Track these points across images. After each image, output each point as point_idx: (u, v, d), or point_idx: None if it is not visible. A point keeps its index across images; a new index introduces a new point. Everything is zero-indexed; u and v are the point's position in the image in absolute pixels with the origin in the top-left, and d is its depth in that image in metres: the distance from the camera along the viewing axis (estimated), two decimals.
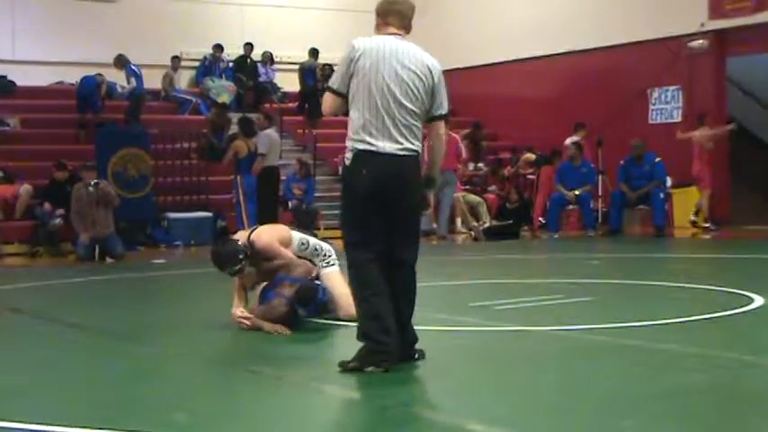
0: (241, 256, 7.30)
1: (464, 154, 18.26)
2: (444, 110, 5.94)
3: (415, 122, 5.76)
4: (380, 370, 5.59)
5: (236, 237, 7.63)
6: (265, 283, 7.49)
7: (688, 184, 17.81)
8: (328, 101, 5.85)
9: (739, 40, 18.55)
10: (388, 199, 5.70)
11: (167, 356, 6.61)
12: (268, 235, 7.53)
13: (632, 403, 4.90)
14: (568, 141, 18.24)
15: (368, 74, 5.69)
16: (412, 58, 5.84)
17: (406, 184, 5.76)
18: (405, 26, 6.00)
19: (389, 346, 5.64)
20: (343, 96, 5.78)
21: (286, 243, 7.56)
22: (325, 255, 7.71)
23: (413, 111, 5.74)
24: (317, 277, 7.54)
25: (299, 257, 7.58)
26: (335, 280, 7.61)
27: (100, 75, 19.15)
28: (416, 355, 5.91)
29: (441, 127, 5.96)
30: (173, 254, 15.65)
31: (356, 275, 5.79)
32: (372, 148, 5.65)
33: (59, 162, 16.18)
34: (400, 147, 5.69)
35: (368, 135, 5.66)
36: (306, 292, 7.20)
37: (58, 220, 15.54)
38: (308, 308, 7.24)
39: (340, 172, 5.65)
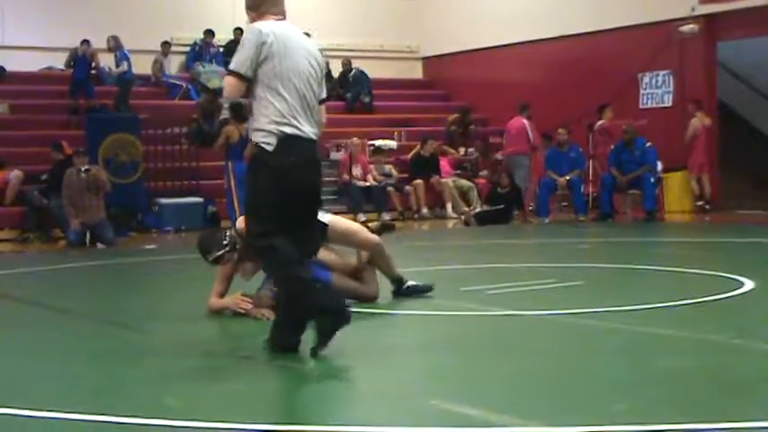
0: (225, 242, 7.22)
1: (533, 139, 18.37)
2: (325, 94, 5.98)
3: (316, 107, 5.81)
4: (345, 324, 5.56)
5: (237, 223, 7.57)
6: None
7: (678, 169, 17.85)
8: (234, 84, 5.69)
9: (730, 24, 18.57)
10: (306, 184, 5.73)
11: (158, 342, 6.60)
12: None
13: (623, 387, 4.92)
14: (598, 125, 18.29)
15: (284, 57, 5.66)
16: (309, 43, 5.89)
17: (320, 168, 5.90)
18: (282, 12, 5.97)
19: (339, 302, 5.66)
20: (247, 81, 5.67)
21: None
22: None
23: (316, 95, 5.80)
24: None
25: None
26: (340, 222, 7.70)
27: (85, 42, 19.16)
28: None
29: (323, 111, 5.96)
30: (164, 239, 15.65)
31: (276, 264, 5.68)
32: (299, 133, 5.64)
33: (55, 144, 16.24)
34: (314, 131, 5.76)
35: (293, 119, 5.63)
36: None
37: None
38: None
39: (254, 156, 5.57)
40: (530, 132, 18.41)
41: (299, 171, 5.63)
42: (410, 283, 7.96)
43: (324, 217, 7.53)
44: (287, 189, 5.63)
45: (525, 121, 18.40)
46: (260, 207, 5.70)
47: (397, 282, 7.94)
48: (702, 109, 17.81)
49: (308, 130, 5.70)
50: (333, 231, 7.56)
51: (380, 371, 5.56)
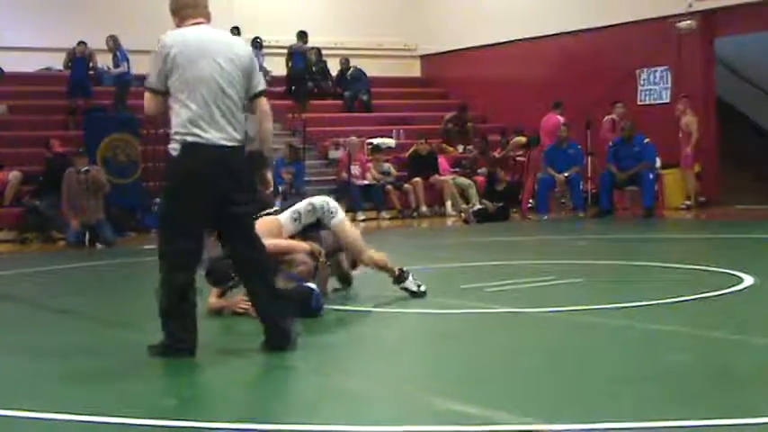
0: (233, 275, 7.11)
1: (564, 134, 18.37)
2: (263, 86, 5.98)
3: (237, 111, 5.79)
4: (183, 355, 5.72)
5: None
6: None
7: (677, 165, 17.85)
8: (148, 99, 5.81)
9: (727, 19, 18.57)
10: (216, 190, 5.72)
11: (157, 342, 6.59)
12: (265, 232, 7.42)
13: (623, 383, 4.92)
14: (607, 119, 18.29)
15: (188, 67, 5.67)
16: (224, 44, 5.85)
17: (234, 174, 5.79)
18: (202, 14, 5.95)
19: (187, 344, 5.72)
20: (162, 94, 5.75)
21: (276, 233, 7.46)
22: (323, 209, 7.62)
23: (235, 99, 5.78)
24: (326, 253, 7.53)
25: (307, 234, 7.53)
26: (348, 224, 7.71)
27: (82, 43, 19.16)
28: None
29: (264, 103, 5.96)
30: None
31: (168, 269, 5.74)
32: (201, 140, 5.66)
33: (45, 143, 16.34)
34: (227, 137, 5.73)
35: (196, 127, 5.66)
36: (299, 297, 7.02)
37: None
38: (301, 312, 7.03)
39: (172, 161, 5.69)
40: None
41: (202, 178, 5.68)
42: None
43: (337, 215, 7.55)
44: (191, 195, 5.70)
45: (560, 118, 18.39)
46: (165, 211, 5.89)
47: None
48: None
49: (216, 137, 5.69)
50: (341, 230, 7.57)
51: (380, 369, 5.57)
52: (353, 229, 7.83)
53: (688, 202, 17.73)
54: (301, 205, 7.67)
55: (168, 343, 5.75)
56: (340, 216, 7.66)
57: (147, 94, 5.82)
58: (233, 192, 5.78)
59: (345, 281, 8.29)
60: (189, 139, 5.66)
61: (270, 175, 6.03)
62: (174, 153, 5.71)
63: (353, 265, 8.15)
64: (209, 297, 7.33)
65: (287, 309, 5.99)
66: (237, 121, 5.79)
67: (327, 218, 7.58)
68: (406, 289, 7.79)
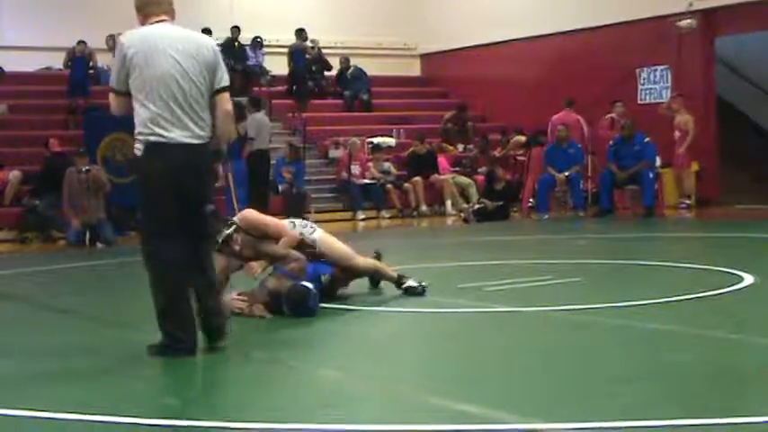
0: (225, 229, 7.17)
1: (587, 132, 18.32)
2: (226, 82, 5.97)
3: (200, 108, 5.80)
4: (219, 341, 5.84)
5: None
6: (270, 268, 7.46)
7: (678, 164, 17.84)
8: (113, 100, 5.90)
9: (728, 18, 18.56)
10: (183, 189, 5.75)
11: (156, 341, 6.60)
12: (255, 212, 7.53)
13: (622, 383, 4.92)
14: (606, 118, 18.28)
15: (145, 67, 5.70)
16: (185, 41, 5.84)
17: (199, 172, 5.83)
18: (166, 11, 5.97)
19: (187, 344, 5.72)
20: (125, 94, 5.81)
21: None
22: (305, 225, 7.74)
23: (197, 96, 5.78)
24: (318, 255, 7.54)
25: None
26: (331, 238, 7.74)
27: (82, 42, 19.16)
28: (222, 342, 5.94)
29: (224, 99, 5.94)
30: None
31: (156, 269, 5.77)
32: (164, 140, 5.70)
33: (45, 143, 16.37)
34: (190, 134, 5.75)
35: (157, 127, 5.70)
36: (296, 296, 7.05)
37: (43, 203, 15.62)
38: (296, 311, 7.05)
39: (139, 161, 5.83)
40: (584, 126, 18.35)
41: (167, 176, 5.71)
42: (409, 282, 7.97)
43: (315, 233, 7.58)
44: (158, 194, 5.76)
45: (579, 116, 18.35)
46: (143, 210, 5.99)
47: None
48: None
49: (179, 135, 5.72)
50: (328, 244, 7.63)
51: (377, 368, 5.57)
52: (338, 242, 7.82)
53: (688, 201, 17.73)
54: (298, 221, 7.82)
55: (167, 343, 5.75)
56: (319, 232, 7.70)
57: (111, 95, 5.91)
58: (199, 189, 5.84)
59: (372, 281, 8.27)
60: (152, 138, 5.72)
61: (220, 170, 6.12)
62: (139, 153, 5.78)
63: (346, 283, 8.06)
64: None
65: (223, 306, 6.06)
66: (201, 119, 5.80)
67: (307, 232, 7.62)
68: (408, 288, 7.81)
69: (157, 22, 5.90)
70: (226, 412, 4.59)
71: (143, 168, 5.80)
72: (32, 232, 15.76)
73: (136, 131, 5.79)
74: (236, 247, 7.15)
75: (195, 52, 5.80)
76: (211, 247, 6.09)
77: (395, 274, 7.96)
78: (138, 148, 5.77)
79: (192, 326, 5.76)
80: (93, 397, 5.05)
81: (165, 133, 5.69)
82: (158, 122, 5.69)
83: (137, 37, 5.81)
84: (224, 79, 5.94)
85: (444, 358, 5.79)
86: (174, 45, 5.77)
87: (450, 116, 21.53)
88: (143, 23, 5.95)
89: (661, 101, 18.88)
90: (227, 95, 5.95)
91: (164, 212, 5.76)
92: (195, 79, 5.77)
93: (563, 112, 18.51)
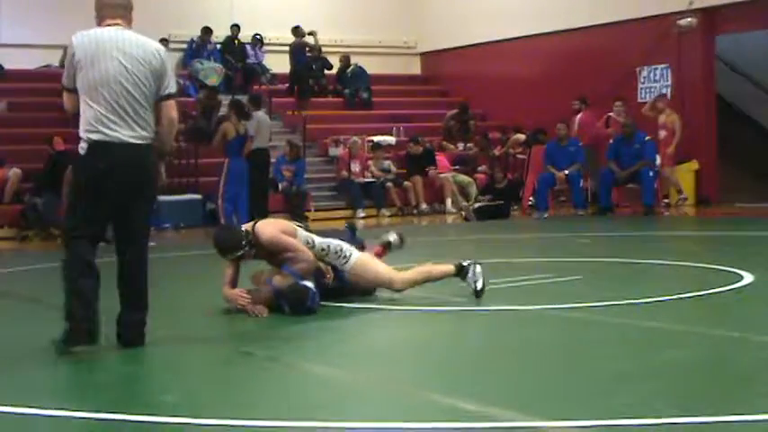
0: (243, 243, 7.22)
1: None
2: (172, 89, 6.06)
3: (143, 111, 5.88)
4: (85, 347, 5.77)
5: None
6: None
7: (677, 163, 17.83)
8: (65, 97, 6.02)
9: (728, 17, 18.56)
10: (124, 186, 5.82)
11: (157, 339, 6.59)
12: (272, 227, 7.40)
13: (623, 381, 4.92)
14: (605, 116, 18.27)
15: (89, 68, 5.81)
16: (133, 46, 5.92)
17: (141, 171, 5.90)
18: (121, 16, 6.08)
19: (88, 324, 5.76)
20: (75, 92, 5.92)
21: (291, 233, 7.42)
22: (337, 252, 7.54)
23: (140, 98, 5.86)
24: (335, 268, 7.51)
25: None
26: (366, 264, 7.58)
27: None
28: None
29: (170, 106, 6.03)
30: (162, 237, 15.62)
31: (67, 256, 5.96)
32: (107, 139, 5.77)
33: (46, 139, 16.37)
34: (133, 135, 5.82)
35: (101, 125, 5.77)
36: (296, 295, 7.04)
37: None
38: (296, 310, 7.03)
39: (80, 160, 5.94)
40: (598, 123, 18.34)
41: (109, 175, 5.78)
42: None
43: (348, 263, 7.50)
44: (96, 192, 5.81)
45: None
46: (70, 205, 6.07)
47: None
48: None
49: (123, 135, 5.80)
50: (361, 273, 7.54)
51: (379, 366, 5.57)
52: (373, 264, 7.67)
53: (684, 197, 17.66)
54: (318, 239, 7.55)
55: (71, 326, 5.77)
56: (353, 260, 7.56)
57: (63, 93, 6.02)
58: (141, 187, 5.90)
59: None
60: (94, 137, 5.79)
61: (162, 169, 6.19)
62: (82, 152, 5.85)
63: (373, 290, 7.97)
64: (223, 288, 7.32)
65: (144, 312, 6.07)
66: (144, 121, 5.89)
67: (340, 263, 7.56)
68: (470, 283, 7.59)
69: (110, 25, 6.01)
70: (224, 410, 4.58)
71: (86, 166, 5.86)
72: (32, 230, 15.75)
73: (80, 130, 5.87)
74: (248, 259, 7.29)
75: (142, 57, 5.90)
76: (144, 254, 6.08)
77: (450, 267, 7.70)
78: (82, 147, 5.85)
79: (92, 310, 5.80)
80: (90, 393, 5.05)
81: (109, 132, 5.78)
82: (102, 122, 5.78)
83: (84, 39, 5.91)
84: (170, 86, 6.03)
85: (443, 356, 5.79)
86: (122, 48, 5.87)
87: (452, 114, 21.52)
88: (99, 26, 6.06)
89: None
90: (172, 103, 6.06)
91: (94, 207, 5.83)
92: (140, 83, 5.87)
93: (587, 111, 18.42)
